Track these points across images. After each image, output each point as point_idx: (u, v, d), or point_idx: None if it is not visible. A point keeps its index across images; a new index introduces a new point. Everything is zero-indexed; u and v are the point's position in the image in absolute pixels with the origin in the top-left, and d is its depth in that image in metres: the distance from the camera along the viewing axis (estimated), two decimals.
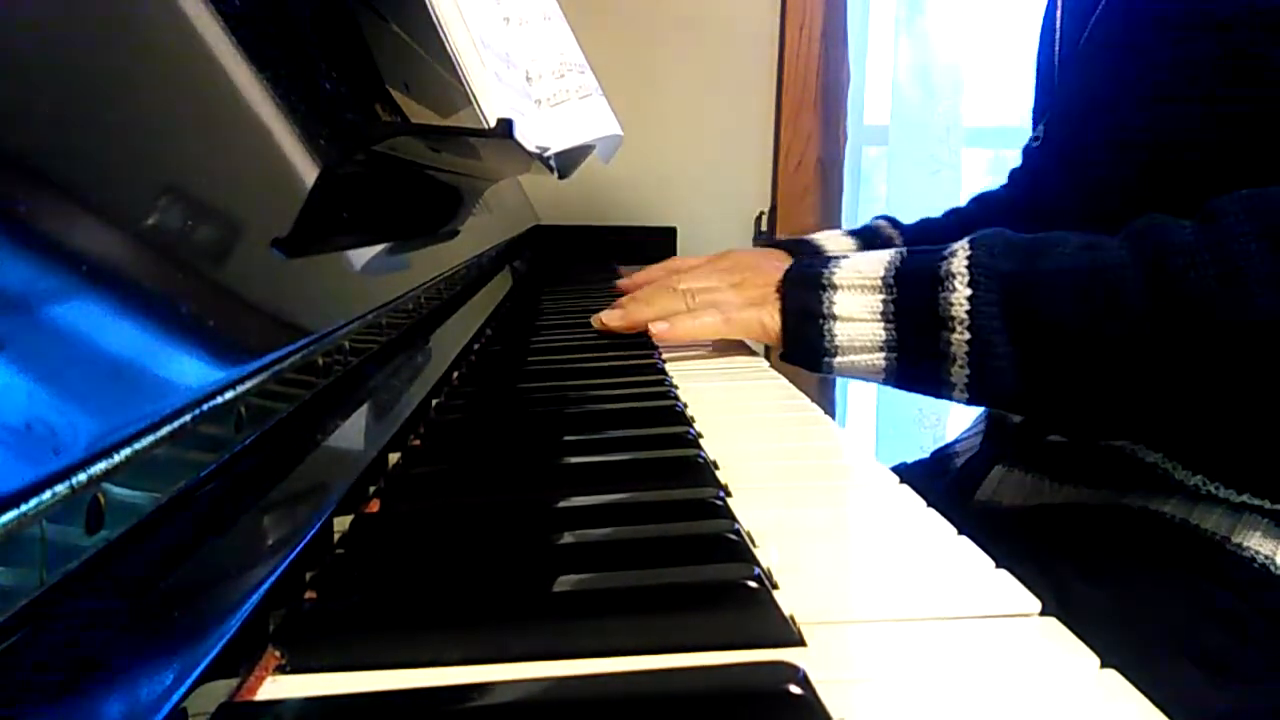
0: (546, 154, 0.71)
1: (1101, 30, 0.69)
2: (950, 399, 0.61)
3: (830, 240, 0.95)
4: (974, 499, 0.75)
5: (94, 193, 0.24)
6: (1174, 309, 0.52)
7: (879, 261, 0.62)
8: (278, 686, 0.26)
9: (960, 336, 0.57)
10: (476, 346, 0.74)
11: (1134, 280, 0.53)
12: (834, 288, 0.62)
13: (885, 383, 0.63)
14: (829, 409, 1.65)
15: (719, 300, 0.68)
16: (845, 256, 0.64)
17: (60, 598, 0.20)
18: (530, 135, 0.65)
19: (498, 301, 0.91)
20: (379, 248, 0.49)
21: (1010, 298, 0.56)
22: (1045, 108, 0.78)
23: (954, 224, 0.98)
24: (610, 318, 0.74)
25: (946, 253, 0.59)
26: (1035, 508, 0.70)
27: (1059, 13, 0.77)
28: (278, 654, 0.27)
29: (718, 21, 1.63)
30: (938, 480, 0.82)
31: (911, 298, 0.60)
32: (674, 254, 1.51)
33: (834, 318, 0.62)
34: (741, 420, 0.55)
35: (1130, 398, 0.55)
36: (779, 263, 0.70)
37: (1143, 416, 0.58)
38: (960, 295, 0.57)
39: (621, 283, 0.94)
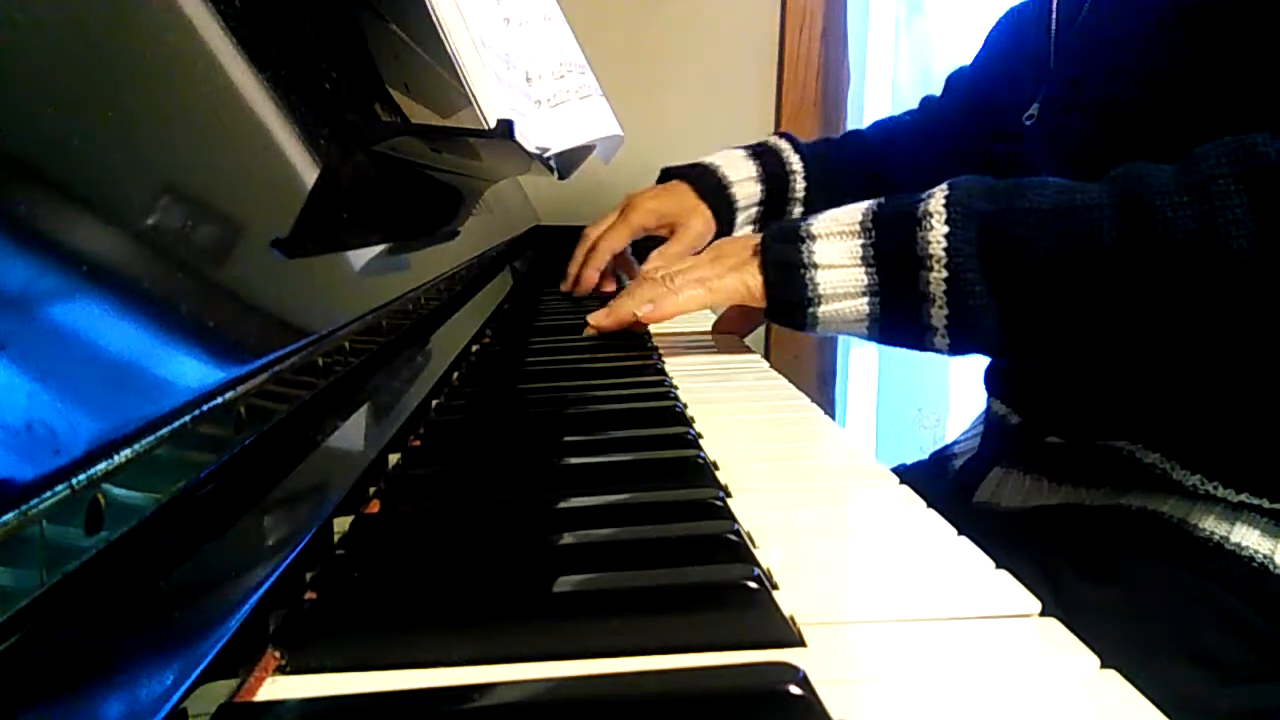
0: (546, 154, 0.71)
1: (1105, 3, 0.69)
2: (933, 347, 0.61)
3: (728, 164, 0.98)
4: (974, 500, 0.75)
5: (94, 193, 0.24)
6: (1150, 248, 0.52)
7: (856, 208, 0.63)
8: (278, 687, 0.26)
9: (938, 275, 0.57)
10: (476, 347, 0.74)
11: (1111, 219, 0.53)
12: (812, 237, 0.62)
13: (870, 334, 0.63)
14: (829, 409, 1.65)
15: (699, 275, 0.69)
16: (821, 214, 0.64)
17: (60, 598, 0.20)
18: (530, 136, 0.66)
19: (498, 302, 0.91)
20: (379, 248, 0.49)
21: (987, 235, 0.56)
22: (1038, 86, 0.76)
23: (852, 144, 1.01)
24: (598, 318, 0.75)
25: (924, 195, 0.60)
26: (1034, 508, 0.70)
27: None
28: (277, 654, 0.27)
29: (718, 21, 1.63)
30: (937, 481, 0.82)
31: (890, 239, 0.60)
32: None
33: (815, 266, 0.62)
34: (741, 420, 0.55)
35: (1105, 336, 0.56)
36: (749, 235, 0.71)
37: (1118, 356, 0.59)
38: (937, 233, 0.57)
39: (580, 291, 0.97)
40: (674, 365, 0.69)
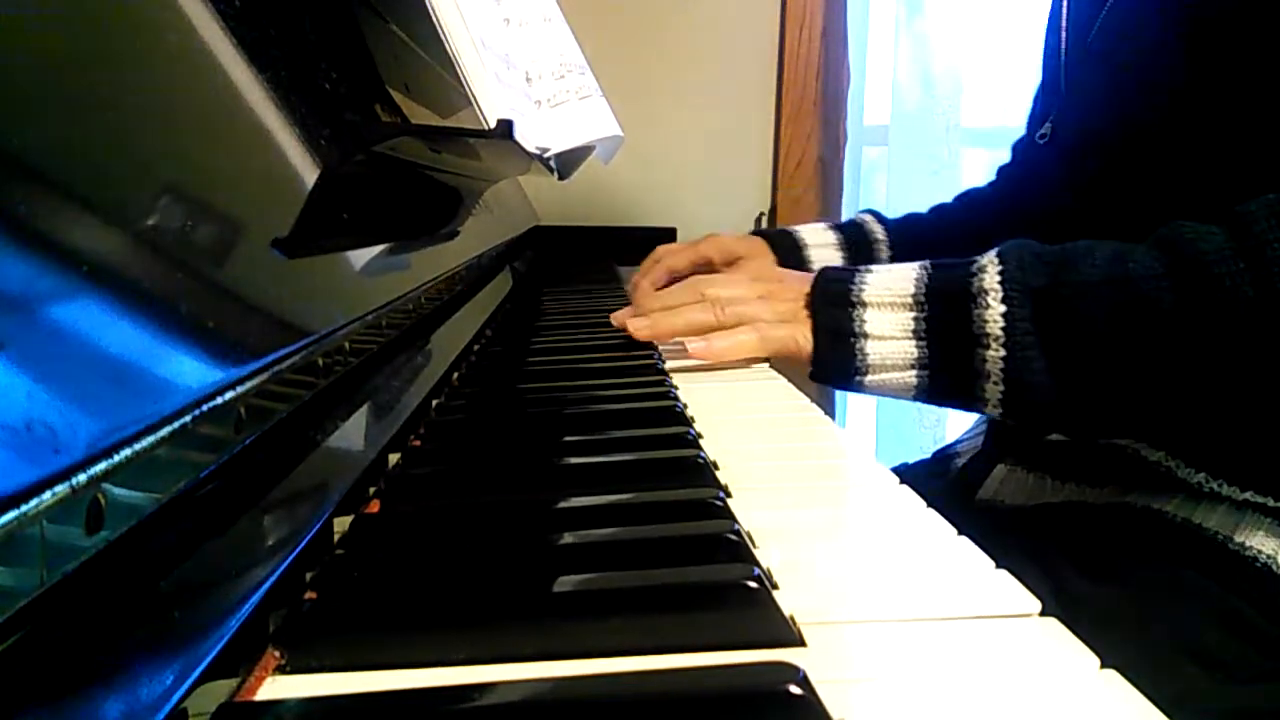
0: (546, 155, 0.71)
1: (1113, 25, 0.69)
2: (981, 413, 0.60)
3: (811, 235, 0.96)
4: (975, 499, 0.75)
5: (94, 193, 0.24)
6: (1211, 317, 0.52)
7: (908, 277, 0.61)
8: (278, 687, 0.26)
9: (995, 353, 0.56)
10: (477, 347, 0.74)
11: (1168, 290, 0.53)
12: (863, 305, 0.61)
13: (915, 399, 0.62)
14: (829, 409, 1.65)
15: (749, 314, 0.66)
16: (870, 270, 0.63)
17: (60, 598, 0.20)
18: (530, 136, 0.65)
19: (498, 302, 0.91)
20: (379, 248, 0.49)
21: (1044, 312, 0.56)
22: (1051, 106, 0.77)
23: (940, 223, 0.98)
24: (638, 326, 0.71)
25: (975, 268, 0.59)
26: (1036, 507, 0.70)
27: (1064, 10, 0.76)
28: (278, 654, 0.27)
29: (718, 21, 1.63)
30: (938, 480, 0.82)
31: (944, 315, 0.59)
32: None
33: (865, 336, 0.61)
34: (742, 420, 0.55)
35: (1165, 403, 0.55)
36: (799, 274, 0.69)
37: (1176, 419, 0.58)
38: (994, 312, 0.56)
39: (639, 281, 0.93)
40: (674, 365, 0.69)
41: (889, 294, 0.61)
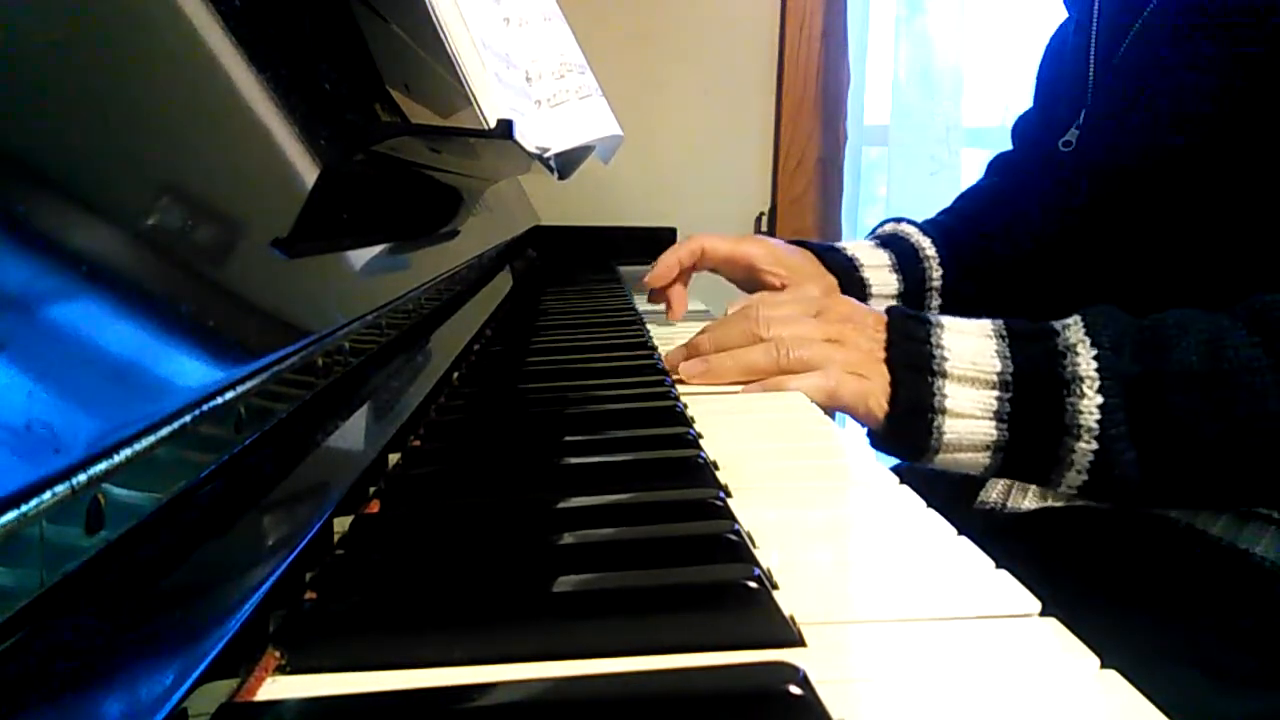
0: (546, 154, 0.71)
1: (1144, 42, 0.68)
2: (1048, 490, 0.58)
3: (864, 254, 0.90)
4: (977, 500, 0.75)
5: (94, 193, 0.24)
6: None
7: (989, 350, 0.57)
8: (278, 687, 0.26)
9: (1085, 445, 0.53)
10: (477, 347, 0.74)
11: (1273, 384, 0.50)
12: (944, 376, 0.57)
13: (981, 476, 0.59)
14: (829, 409, 1.64)
15: (814, 359, 0.60)
16: (944, 328, 0.59)
17: (60, 598, 0.20)
18: (530, 136, 0.65)
19: (498, 302, 0.91)
20: (379, 248, 0.49)
21: (1138, 404, 0.52)
22: (1074, 113, 0.76)
23: (976, 231, 0.93)
24: (691, 372, 0.63)
25: (1063, 345, 0.55)
26: (1038, 511, 0.70)
27: (1095, 14, 0.75)
28: (278, 654, 0.27)
29: (718, 21, 1.63)
30: (939, 481, 0.82)
31: (1032, 401, 0.55)
32: None
33: (944, 412, 0.56)
34: (741, 420, 0.55)
35: (1257, 492, 0.54)
36: (870, 314, 0.63)
37: (1263, 500, 0.56)
38: (1090, 403, 0.53)
39: (651, 278, 0.88)
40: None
41: (973, 369, 0.56)
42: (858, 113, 1.69)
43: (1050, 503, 0.69)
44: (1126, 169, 0.68)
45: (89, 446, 0.20)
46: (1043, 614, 0.29)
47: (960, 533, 0.36)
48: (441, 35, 0.57)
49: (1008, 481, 0.73)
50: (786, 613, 0.28)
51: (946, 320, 0.60)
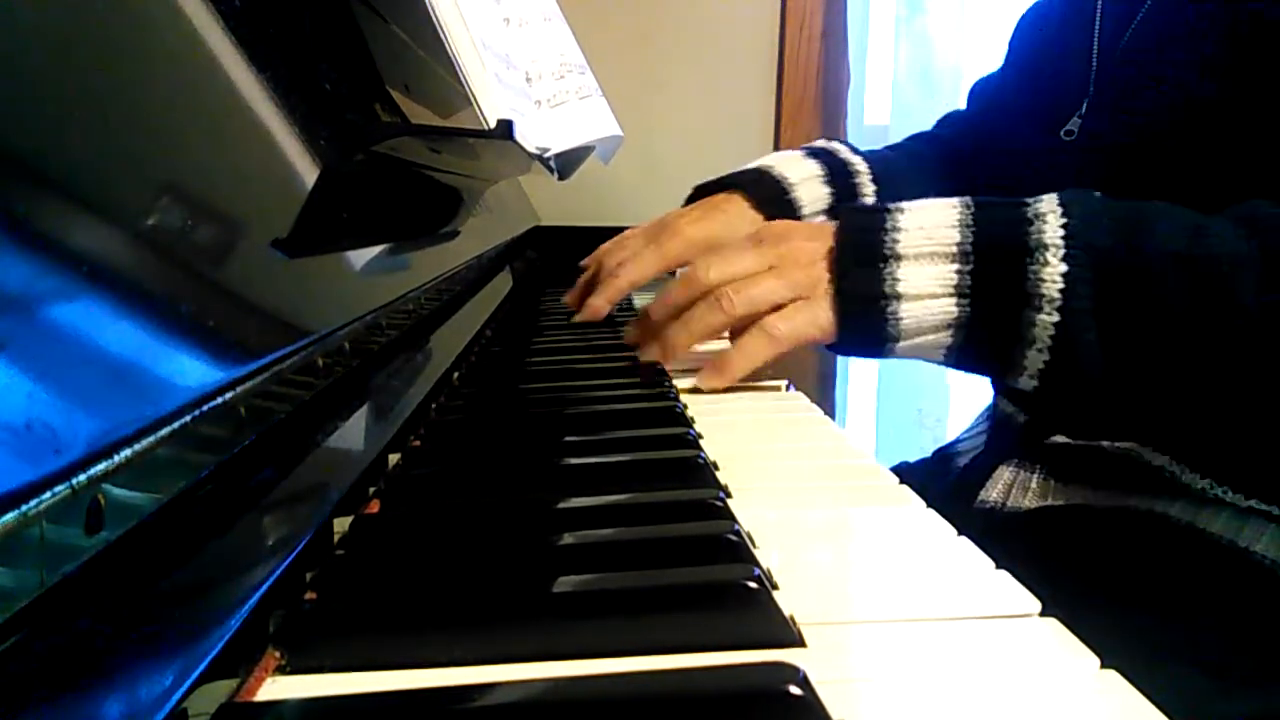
0: (546, 155, 0.71)
1: (1149, 30, 0.67)
2: (1013, 384, 0.55)
3: (792, 169, 0.84)
4: (977, 499, 0.75)
5: (94, 193, 0.24)
6: None
7: (949, 222, 0.54)
8: (278, 687, 0.26)
9: (1047, 317, 0.50)
10: (477, 347, 0.74)
11: (1252, 274, 0.48)
12: (898, 259, 0.53)
13: (943, 362, 0.56)
14: (829, 409, 1.65)
15: (762, 294, 0.57)
16: (902, 210, 0.56)
17: (60, 598, 0.20)
18: (530, 136, 0.65)
19: (498, 302, 0.91)
20: (379, 248, 0.49)
21: (1107, 278, 0.50)
22: (1075, 103, 0.75)
23: (920, 171, 0.90)
24: (650, 355, 0.62)
25: (1031, 214, 0.52)
26: (1038, 510, 0.70)
27: (1099, 6, 0.74)
28: (278, 654, 0.27)
29: (718, 21, 1.63)
30: (939, 480, 0.82)
31: (993, 271, 0.52)
32: None
33: (899, 297, 0.53)
34: (741, 421, 0.55)
35: (1216, 391, 0.51)
36: (808, 227, 0.60)
37: (1223, 407, 0.53)
38: (1053, 271, 0.50)
39: (571, 296, 0.84)
40: (674, 365, 0.69)
41: (929, 243, 0.53)
42: (858, 113, 1.69)
43: (1050, 502, 0.69)
44: (1133, 157, 0.67)
45: (89, 446, 0.20)
46: (1043, 614, 0.29)
47: (960, 533, 0.36)
48: (441, 35, 0.57)
49: (1008, 481, 0.73)
50: (786, 613, 0.28)
51: (905, 204, 0.57)
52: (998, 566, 0.32)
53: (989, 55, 1.68)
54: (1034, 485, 0.71)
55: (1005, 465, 0.74)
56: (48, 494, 0.18)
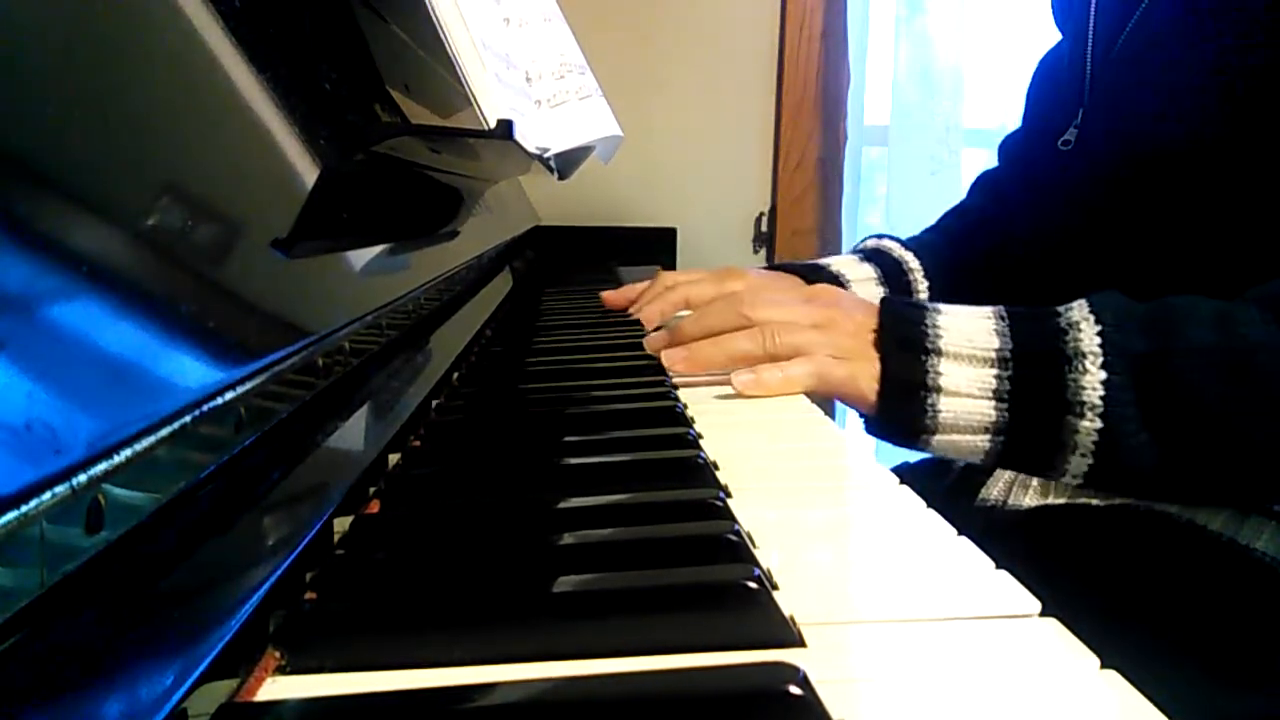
0: (546, 155, 0.71)
1: (1140, 38, 0.68)
2: (1052, 479, 0.55)
3: (849, 268, 0.89)
4: (977, 499, 0.75)
5: (94, 193, 0.24)
6: None
7: (987, 329, 0.55)
8: (278, 687, 0.26)
9: (1089, 424, 0.51)
10: (477, 347, 0.74)
11: None
12: (939, 354, 0.54)
13: (981, 463, 0.56)
14: (829, 409, 1.64)
15: (804, 345, 0.58)
16: (940, 311, 0.57)
17: (60, 598, 0.20)
18: (530, 136, 0.65)
19: (498, 302, 0.91)
20: (379, 248, 0.49)
21: (1146, 381, 0.50)
22: (1072, 113, 0.76)
23: (959, 248, 0.92)
24: (674, 358, 0.61)
25: (1064, 323, 0.53)
26: (1038, 508, 0.70)
27: (1092, 14, 0.75)
28: (278, 655, 0.27)
29: (718, 21, 1.63)
30: (939, 481, 0.82)
31: (1033, 378, 0.52)
32: (674, 255, 1.51)
33: (939, 390, 0.54)
34: (741, 421, 0.55)
35: (1255, 475, 0.52)
36: (859, 301, 0.61)
37: (1259, 486, 0.54)
38: (1093, 379, 0.50)
39: (614, 295, 0.86)
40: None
41: (969, 345, 0.54)
42: (858, 113, 1.69)
43: (1050, 501, 0.69)
44: (1127, 163, 0.68)
45: (89, 446, 0.20)
46: (1043, 614, 0.29)
47: (960, 533, 0.36)
48: (441, 35, 0.57)
49: (1008, 480, 0.73)
50: (786, 613, 0.28)
51: (943, 306, 0.58)
52: (998, 566, 0.32)
53: (989, 55, 1.68)
54: (1034, 484, 0.71)
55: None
56: (48, 494, 0.18)
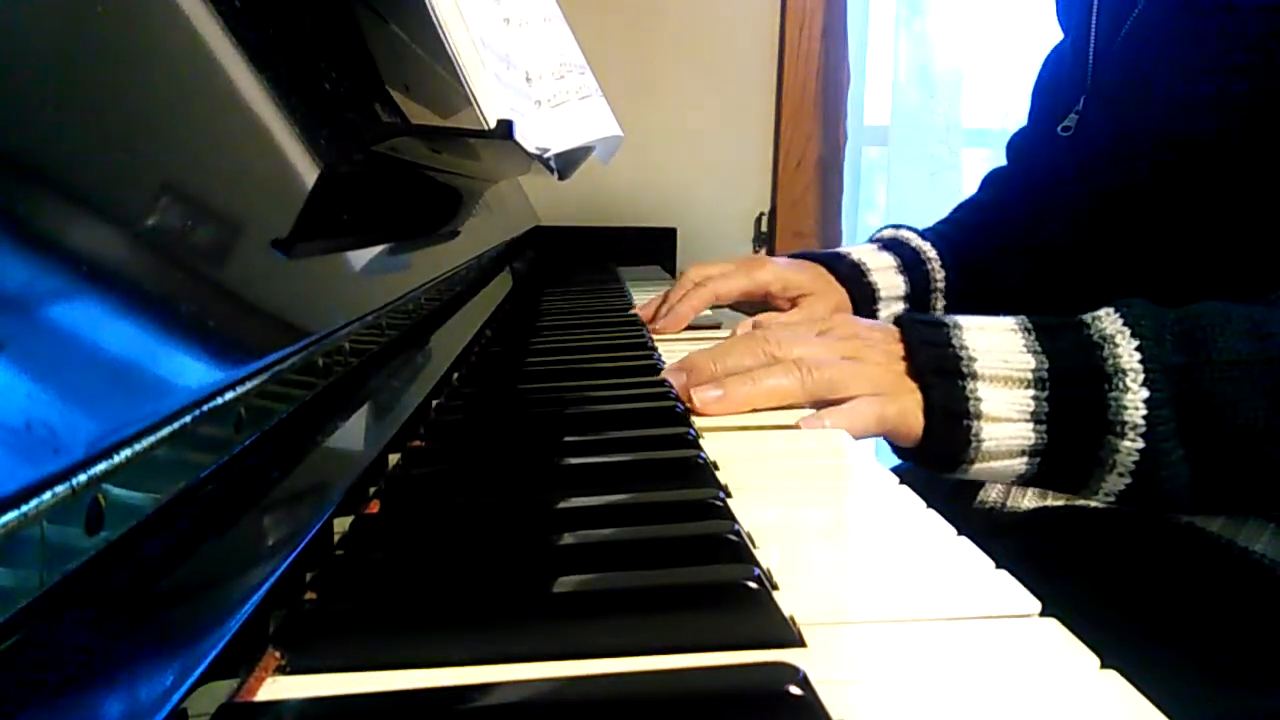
0: (546, 155, 0.71)
1: (1141, 29, 0.68)
2: (1083, 498, 0.54)
3: (868, 256, 0.88)
4: (976, 500, 0.75)
5: (94, 193, 0.24)
6: None
7: (1017, 347, 0.53)
8: (278, 687, 0.26)
9: (1131, 444, 0.49)
10: (477, 347, 0.74)
11: None
12: (976, 377, 0.52)
13: (1011, 484, 0.55)
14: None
15: (838, 380, 0.55)
16: (963, 329, 0.55)
17: (60, 598, 0.20)
18: (530, 136, 0.65)
19: (498, 302, 0.91)
20: (379, 248, 0.49)
21: (1184, 396, 0.49)
22: (1074, 99, 0.76)
23: (973, 238, 0.92)
24: (706, 399, 0.55)
25: (1099, 336, 0.52)
26: (1037, 510, 0.70)
27: (1094, 11, 0.75)
28: (278, 655, 0.27)
29: (718, 21, 1.63)
30: (939, 481, 0.82)
31: (1073, 399, 0.51)
32: (674, 255, 1.51)
33: (980, 416, 0.52)
34: (741, 420, 0.54)
35: None
36: (880, 328, 0.59)
37: None
38: (1135, 398, 0.49)
39: (646, 309, 0.85)
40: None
41: (1005, 367, 0.52)
42: (858, 113, 1.69)
43: (1049, 502, 0.69)
44: (1128, 153, 0.68)
45: (89, 446, 0.20)
46: (1042, 614, 0.29)
47: (960, 533, 0.36)
48: (441, 35, 0.57)
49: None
50: (786, 613, 0.28)
51: (961, 319, 0.56)
52: (998, 567, 0.32)
53: (989, 55, 1.68)
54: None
55: None
56: (48, 494, 0.18)
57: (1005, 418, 0.52)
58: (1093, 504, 0.66)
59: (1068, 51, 0.79)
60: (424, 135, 0.61)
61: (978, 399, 0.52)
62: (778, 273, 0.83)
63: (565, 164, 0.77)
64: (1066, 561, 0.62)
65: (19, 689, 0.18)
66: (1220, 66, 0.61)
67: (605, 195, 1.61)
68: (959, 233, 0.94)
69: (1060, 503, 0.69)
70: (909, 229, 0.93)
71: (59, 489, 0.19)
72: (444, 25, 0.57)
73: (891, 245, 0.90)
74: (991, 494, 0.74)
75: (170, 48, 0.32)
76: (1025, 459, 0.52)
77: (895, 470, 0.44)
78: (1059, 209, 0.76)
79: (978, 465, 0.53)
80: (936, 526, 0.37)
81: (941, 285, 0.90)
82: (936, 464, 0.54)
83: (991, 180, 1.00)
